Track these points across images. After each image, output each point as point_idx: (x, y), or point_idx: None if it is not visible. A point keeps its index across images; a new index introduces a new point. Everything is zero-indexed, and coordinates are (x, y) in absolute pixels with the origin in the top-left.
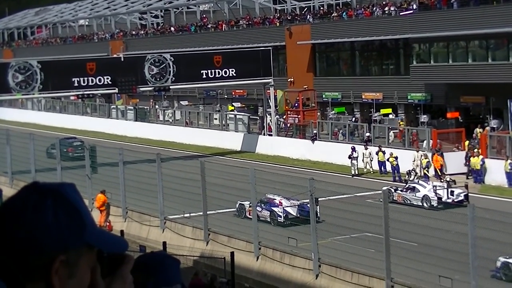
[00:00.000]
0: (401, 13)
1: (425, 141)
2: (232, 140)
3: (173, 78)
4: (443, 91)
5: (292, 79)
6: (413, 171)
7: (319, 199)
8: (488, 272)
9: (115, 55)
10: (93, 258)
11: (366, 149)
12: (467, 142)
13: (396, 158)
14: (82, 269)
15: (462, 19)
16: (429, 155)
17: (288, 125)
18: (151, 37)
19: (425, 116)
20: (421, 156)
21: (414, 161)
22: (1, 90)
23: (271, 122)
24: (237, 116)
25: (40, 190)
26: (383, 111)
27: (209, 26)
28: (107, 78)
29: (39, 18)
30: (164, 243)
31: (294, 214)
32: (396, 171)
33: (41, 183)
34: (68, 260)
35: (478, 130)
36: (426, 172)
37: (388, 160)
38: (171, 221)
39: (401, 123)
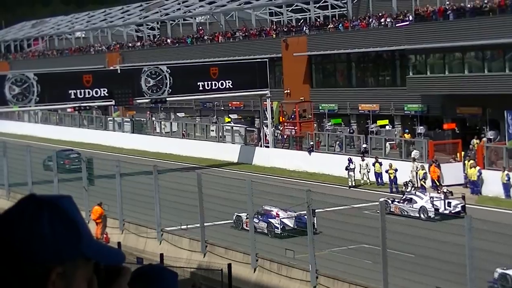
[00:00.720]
0: (397, 25)
1: (413, 151)
2: (229, 151)
3: (170, 90)
4: (439, 102)
5: (288, 91)
6: (410, 183)
7: (316, 210)
8: (486, 283)
9: (111, 67)
10: (90, 270)
11: (363, 160)
12: (463, 153)
13: (396, 170)
14: (78, 281)
15: (458, 30)
16: (426, 166)
17: (285, 136)
18: (148, 49)
19: (421, 127)
20: (417, 167)
21: (412, 171)
22: None
23: (267, 133)
24: (234, 128)
25: (37, 202)
26: (379, 122)
27: (206, 38)
28: (104, 90)
29: (35, 31)
30: (161, 255)
31: (291, 226)
32: (393, 183)
33: (37, 195)
34: (64, 272)
35: (474, 141)
36: (423, 183)
37: (387, 171)
38: (168, 233)
39: (406, 135)
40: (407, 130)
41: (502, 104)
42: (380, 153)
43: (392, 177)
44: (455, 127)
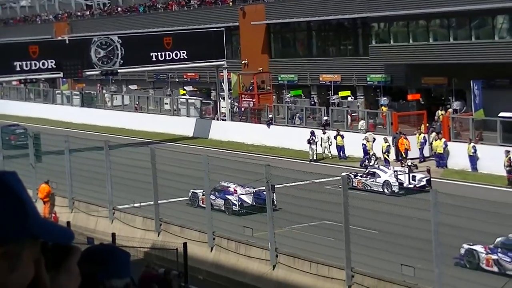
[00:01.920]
0: None
1: (361, 122)
2: (184, 125)
3: (121, 61)
4: (403, 72)
5: (246, 61)
6: (373, 156)
7: (275, 186)
8: (452, 259)
9: (59, 38)
10: (37, 250)
11: (324, 133)
12: (422, 126)
13: (374, 140)
14: (24, 262)
15: None
16: (389, 138)
17: (243, 109)
18: (98, 18)
19: (385, 98)
20: (371, 138)
21: (369, 141)
22: None
23: (223, 106)
24: (189, 101)
25: None
26: (341, 93)
27: (159, 6)
28: (51, 62)
29: None
30: (113, 235)
31: (250, 202)
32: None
33: None
34: (8, 252)
35: (440, 112)
36: (386, 157)
37: (364, 146)
38: (120, 211)
39: (383, 108)
40: (384, 103)
41: (468, 74)
42: (342, 125)
43: (368, 149)
44: (420, 98)
